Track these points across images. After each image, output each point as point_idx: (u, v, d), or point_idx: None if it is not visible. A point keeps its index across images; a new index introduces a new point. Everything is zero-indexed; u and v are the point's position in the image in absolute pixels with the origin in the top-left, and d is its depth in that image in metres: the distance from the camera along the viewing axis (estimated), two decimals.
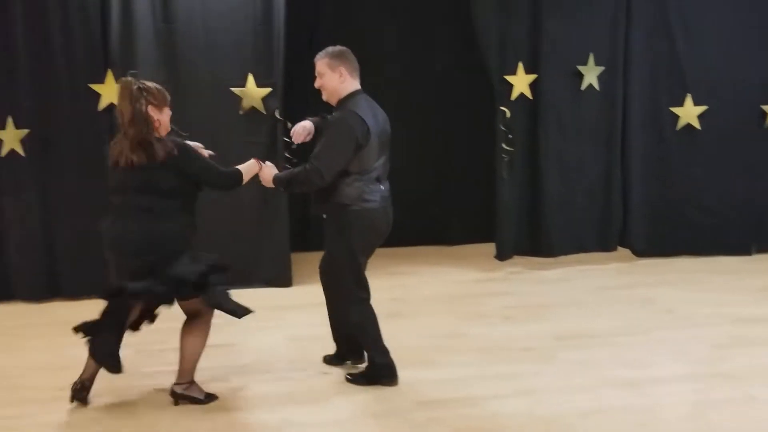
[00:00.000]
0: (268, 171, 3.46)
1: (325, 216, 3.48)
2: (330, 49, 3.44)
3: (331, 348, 3.97)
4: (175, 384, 3.30)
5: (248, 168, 3.40)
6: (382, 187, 3.39)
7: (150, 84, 3.18)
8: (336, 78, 3.37)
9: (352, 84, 3.39)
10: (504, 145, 5.76)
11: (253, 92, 5.08)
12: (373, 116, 3.33)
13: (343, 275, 3.40)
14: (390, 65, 6.36)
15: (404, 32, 6.36)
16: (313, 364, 3.75)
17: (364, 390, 3.44)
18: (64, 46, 4.85)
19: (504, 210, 5.88)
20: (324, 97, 3.50)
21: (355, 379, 3.49)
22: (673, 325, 4.34)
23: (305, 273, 5.57)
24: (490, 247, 6.09)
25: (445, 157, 6.53)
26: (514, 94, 5.78)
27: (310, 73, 6.13)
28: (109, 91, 4.86)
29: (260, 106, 5.11)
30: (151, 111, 3.12)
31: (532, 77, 5.81)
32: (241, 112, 5.10)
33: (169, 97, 3.26)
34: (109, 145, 3.21)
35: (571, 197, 6.03)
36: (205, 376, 3.61)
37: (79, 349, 4.04)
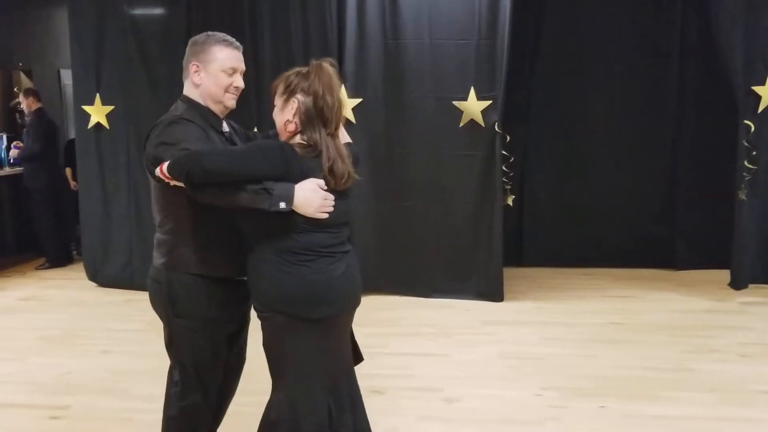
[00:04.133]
0: None
1: None
2: None
3: (545, 369, 3.89)
4: None
5: None
6: None
7: None
8: None
9: None
10: (746, 163, 5.24)
11: (473, 105, 5.13)
12: None
13: None
14: (612, 79, 6.09)
15: (628, 42, 6.05)
16: (526, 384, 3.69)
17: (580, 418, 3.31)
18: (305, 63, 5.27)
19: (742, 234, 5.35)
20: None
21: None
22: None
23: (516, 288, 5.52)
24: (723, 274, 5.56)
25: (675, 173, 6.09)
26: (761, 107, 5.23)
27: (529, 87, 6.18)
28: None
29: (479, 119, 5.14)
30: None
31: None
32: (461, 125, 5.18)
33: None
34: (321, 164, 2.16)
35: None
36: (419, 383, 3.72)
37: None
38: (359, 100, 5.24)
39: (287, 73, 2.27)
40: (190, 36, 6.04)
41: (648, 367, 3.90)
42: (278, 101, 2.25)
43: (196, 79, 2.36)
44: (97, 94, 5.73)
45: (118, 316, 5.13)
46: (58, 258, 6.89)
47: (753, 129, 5.23)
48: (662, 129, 6.07)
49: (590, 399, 3.50)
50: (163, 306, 2.36)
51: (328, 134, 2.18)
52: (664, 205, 6.16)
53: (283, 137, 2.26)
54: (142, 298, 5.52)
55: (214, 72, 2.34)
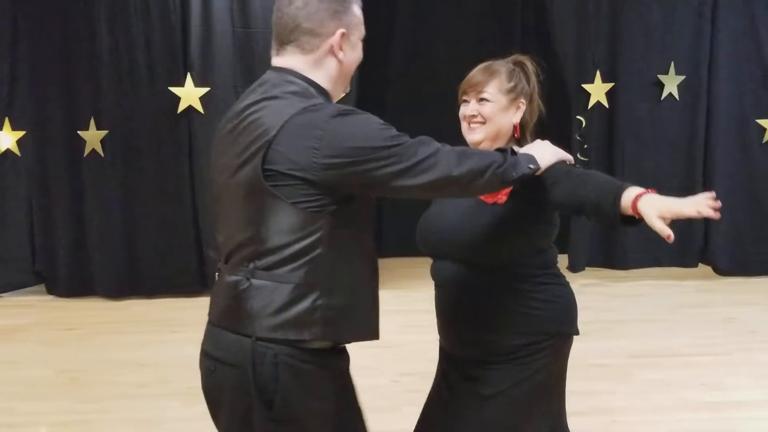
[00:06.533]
0: None
1: None
2: None
3: (403, 356, 3.96)
4: None
5: None
6: (223, 277, 1.61)
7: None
8: None
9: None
10: (579, 155, 5.65)
11: None
12: (221, 124, 1.75)
13: None
14: (458, 75, 6.31)
15: (477, 40, 6.33)
16: (384, 372, 3.73)
17: None
18: (145, 49, 5.00)
19: (577, 221, 5.76)
20: None
21: None
22: (756, 347, 4.14)
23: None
24: (562, 259, 5.94)
25: None
26: (591, 103, 5.66)
27: (386, 79, 6.27)
28: (188, 94, 4.99)
29: None
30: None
31: (609, 86, 5.67)
32: None
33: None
34: None
35: None
36: None
37: (155, 347, 4.16)
38: (207, 89, 5.04)
39: (500, 67, 2.01)
40: (16, 21, 5.49)
41: None
42: (499, 98, 1.96)
43: (340, 54, 1.61)
44: None
45: None
46: None
47: (584, 124, 5.65)
48: None
49: None
50: (248, 404, 1.49)
51: None
52: None
53: (498, 143, 1.94)
54: None
55: (356, 42, 1.66)
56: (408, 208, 6.40)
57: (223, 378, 1.53)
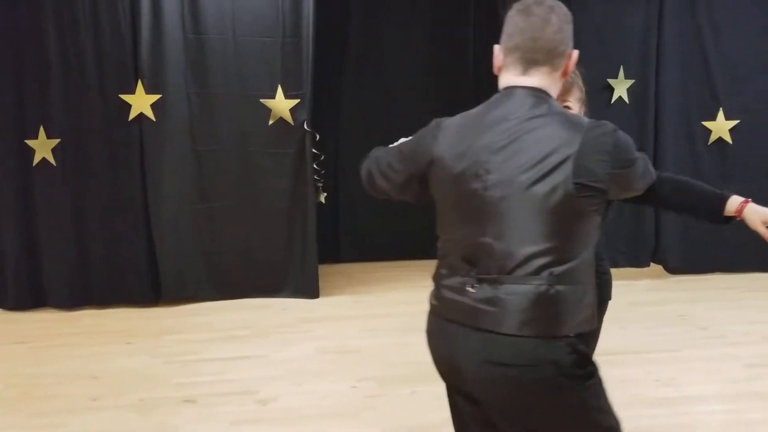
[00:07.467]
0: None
1: None
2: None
3: (361, 360, 3.95)
4: None
5: None
6: (458, 279, 1.78)
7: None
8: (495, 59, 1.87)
9: (504, 76, 1.83)
10: None
11: (281, 104, 5.09)
12: (465, 140, 1.83)
13: None
14: (415, 76, 6.37)
15: (432, 43, 6.38)
16: (342, 378, 3.72)
17: (394, 405, 3.40)
18: (95, 56, 4.89)
19: None
20: None
21: None
22: (707, 343, 4.26)
23: (333, 285, 5.57)
24: None
25: None
26: None
27: (340, 84, 6.27)
28: (139, 101, 4.91)
29: (288, 118, 5.11)
30: None
31: None
32: (270, 123, 5.12)
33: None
34: None
35: None
36: (233, 388, 3.61)
37: (108, 359, 4.08)
38: (158, 96, 4.97)
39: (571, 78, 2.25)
40: None
41: None
42: (576, 106, 2.32)
43: (569, 71, 1.81)
44: None
45: None
46: None
47: None
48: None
49: (403, 385, 3.61)
50: (560, 394, 1.69)
51: None
52: None
53: None
54: None
55: None
56: (363, 214, 6.45)
57: (529, 380, 1.66)
